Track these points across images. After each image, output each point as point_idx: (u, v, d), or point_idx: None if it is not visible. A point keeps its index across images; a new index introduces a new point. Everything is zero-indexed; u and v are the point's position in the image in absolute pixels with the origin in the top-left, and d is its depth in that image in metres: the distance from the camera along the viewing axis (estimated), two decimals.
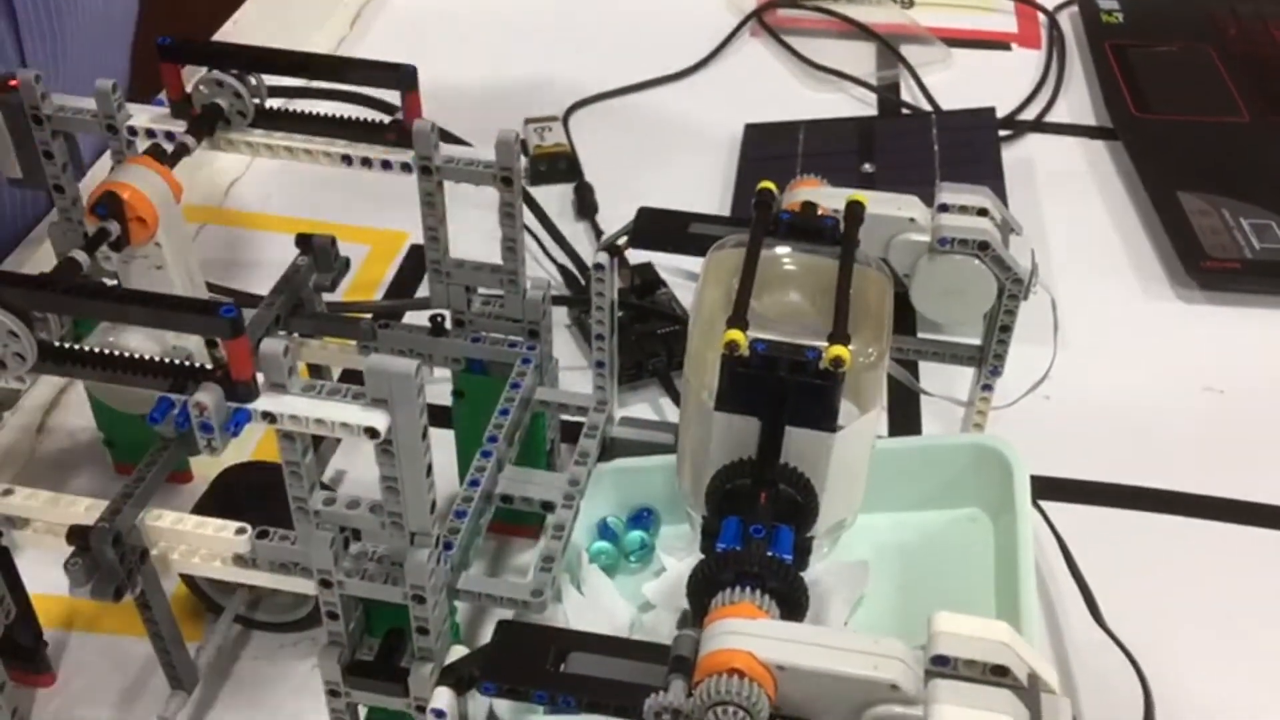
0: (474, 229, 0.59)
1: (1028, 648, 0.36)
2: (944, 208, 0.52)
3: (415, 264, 0.75)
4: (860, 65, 0.94)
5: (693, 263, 0.69)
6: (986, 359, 0.56)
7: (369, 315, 0.60)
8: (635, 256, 0.70)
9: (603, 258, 0.52)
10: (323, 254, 0.56)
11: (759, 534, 0.41)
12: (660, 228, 0.55)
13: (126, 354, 0.38)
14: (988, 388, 0.57)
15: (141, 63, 0.84)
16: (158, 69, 0.52)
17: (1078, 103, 0.92)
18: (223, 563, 0.44)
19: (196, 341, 0.49)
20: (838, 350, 0.40)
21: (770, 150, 0.83)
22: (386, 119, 0.52)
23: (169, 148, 0.50)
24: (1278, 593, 0.56)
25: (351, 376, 0.61)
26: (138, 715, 0.51)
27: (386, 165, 0.51)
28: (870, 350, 0.43)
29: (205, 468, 0.56)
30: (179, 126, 0.52)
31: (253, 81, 0.52)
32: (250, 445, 0.60)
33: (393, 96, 0.51)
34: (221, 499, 0.50)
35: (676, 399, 0.65)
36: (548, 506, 0.50)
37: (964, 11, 1.02)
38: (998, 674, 0.35)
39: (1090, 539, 0.56)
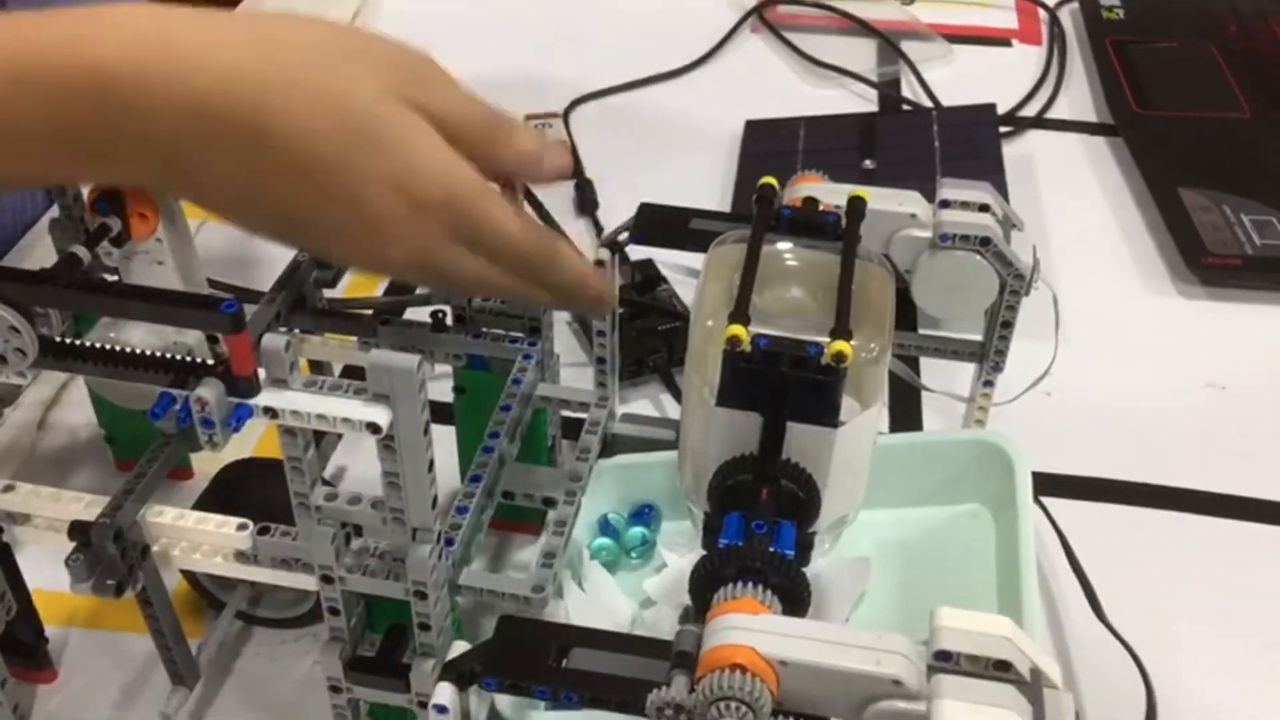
0: None
1: (1030, 643, 0.36)
2: (945, 203, 0.52)
3: None
4: (861, 61, 0.94)
5: (693, 259, 0.70)
6: (988, 355, 0.56)
7: (370, 311, 0.60)
8: (636, 253, 0.70)
9: (604, 254, 0.52)
10: None
11: (761, 530, 0.41)
12: (661, 224, 0.55)
13: (128, 349, 0.38)
14: (989, 384, 0.57)
15: None
16: None
17: (1079, 99, 0.92)
18: (224, 559, 0.44)
19: (197, 337, 0.49)
20: (840, 345, 0.40)
21: (771, 147, 0.83)
22: None
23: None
24: (1278, 588, 0.56)
25: (353, 373, 0.61)
26: (139, 712, 0.51)
27: None
28: (872, 345, 0.43)
29: (206, 464, 0.56)
30: None
31: None
32: (251, 441, 0.60)
33: None
34: (222, 495, 0.50)
35: (677, 395, 0.65)
36: (549, 502, 0.50)
37: (965, 8, 1.02)
38: (1000, 669, 0.35)
39: (1091, 535, 0.56)
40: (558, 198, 0.79)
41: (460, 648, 0.43)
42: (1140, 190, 0.81)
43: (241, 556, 0.44)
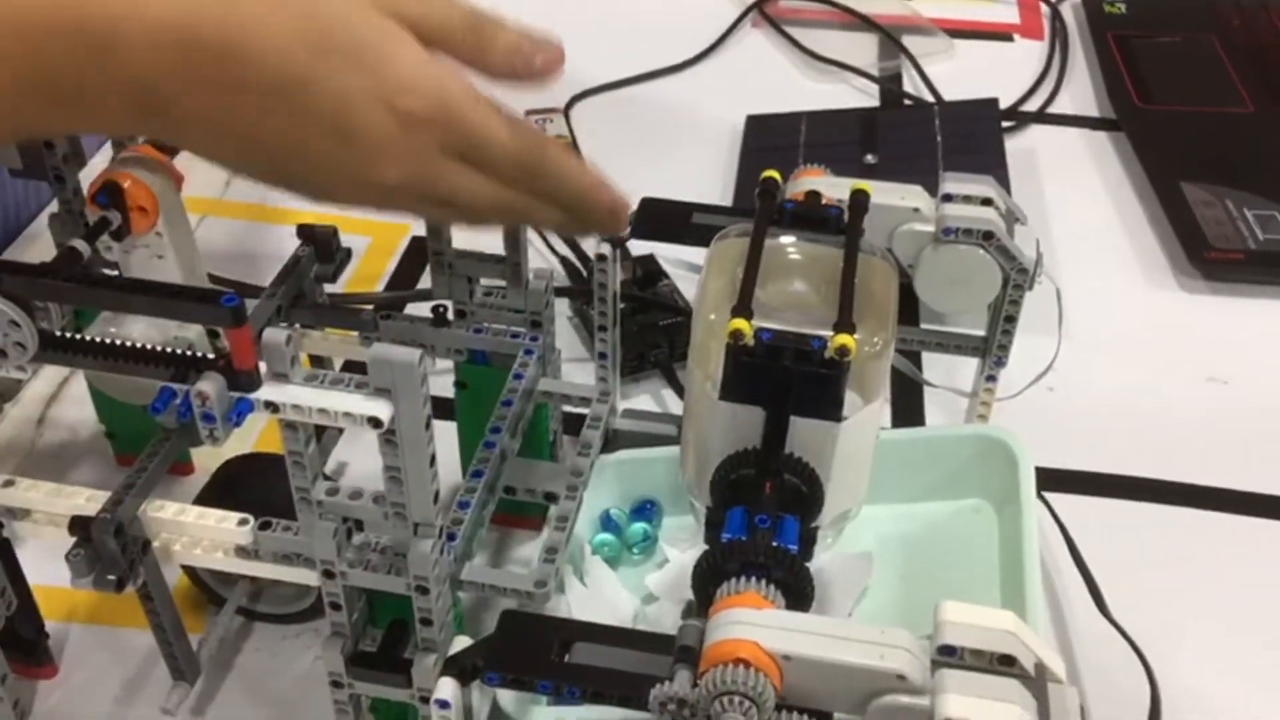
0: None
1: (1034, 637, 0.36)
2: (948, 197, 0.52)
3: (416, 256, 0.74)
4: (862, 56, 0.94)
5: (694, 254, 0.69)
6: (991, 349, 0.56)
7: (370, 306, 0.60)
8: (637, 248, 0.70)
9: (605, 249, 0.52)
10: (324, 245, 0.56)
11: (764, 524, 0.41)
12: (663, 218, 0.55)
13: (128, 343, 0.38)
14: (992, 378, 0.57)
15: None
16: None
17: (1080, 94, 0.91)
18: (225, 554, 0.44)
19: (198, 331, 0.49)
20: (843, 339, 0.40)
21: (772, 141, 0.83)
22: None
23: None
24: None
25: (353, 368, 0.61)
26: (140, 707, 0.51)
27: None
28: (875, 339, 0.43)
29: (207, 459, 0.56)
30: None
31: None
32: (252, 437, 0.60)
33: None
34: (223, 490, 0.50)
35: (678, 390, 0.65)
36: (551, 498, 0.50)
37: (966, 2, 1.02)
38: (1004, 664, 0.35)
39: (1093, 530, 0.56)
40: None
41: (462, 643, 0.43)
42: (1142, 185, 0.81)
43: (242, 552, 0.43)
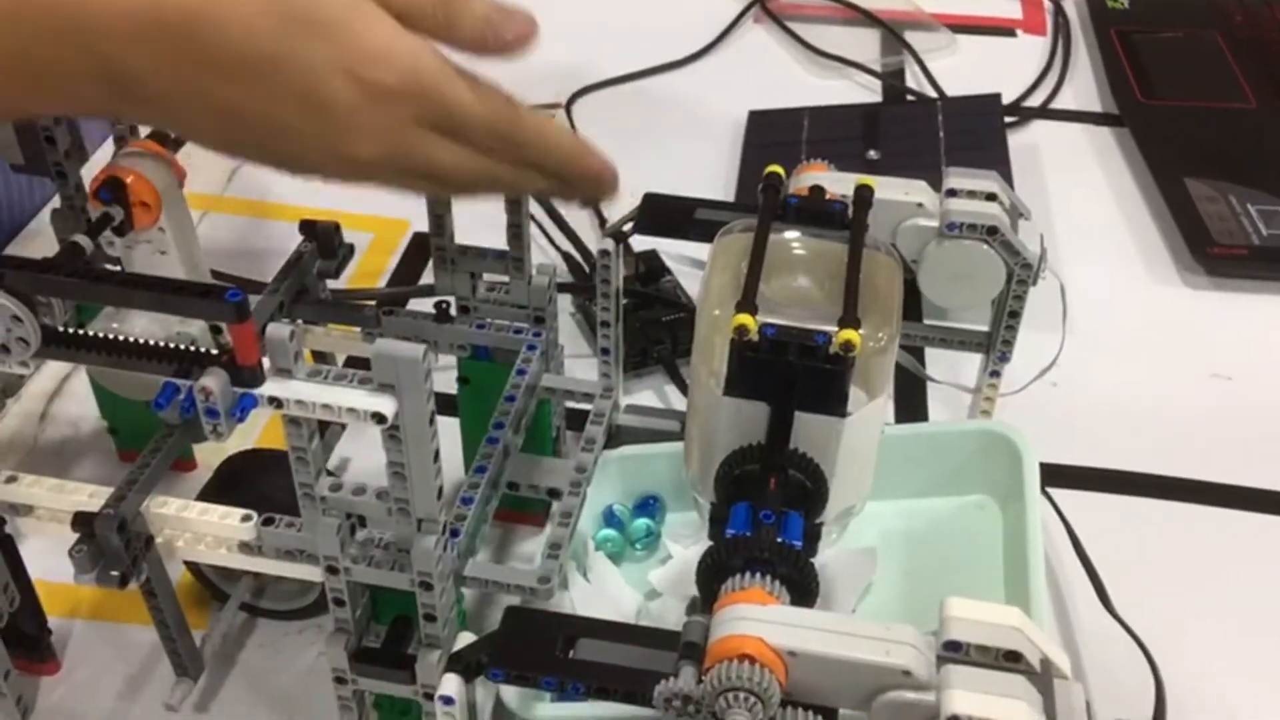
0: (476, 216, 0.58)
1: (1040, 633, 0.36)
2: (952, 192, 0.52)
3: (418, 252, 0.74)
4: (865, 52, 0.94)
5: (697, 250, 0.69)
6: (994, 345, 0.56)
7: (373, 302, 0.59)
8: (640, 244, 0.70)
9: (608, 244, 0.51)
10: (326, 240, 0.56)
11: (769, 520, 0.40)
12: (666, 214, 0.54)
13: (132, 339, 0.38)
14: (995, 374, 0.57)
15: None
16: None
17: (1083, 89, 0.91)
18: (228, 550, 0.44)
19: (201, 327, 0.49)
20: (848, 334, 0.40)
21: (774, 137, 0.83)
22: None
23: (172, 133, 0.50)
24: None
25: (356, 364, 0.61)
26: (143, 703, 0.50)
27: None
28: (880, 335, 0.43)
29: (209, 455, 0.56)
30: None
31: None
32: (255, 433, 0.60)
33: None
34: (226, 486, 0.50)
35: (682, 386, 0.65)
36: (554, 494, 0.50)
37: None
38: (1010, 659, 0.35)
39: (1096, 526, 0.56)
40: None
41: (466, 639, 0.43)
42: (1145, 180, 0.80)
43: (246, 548, 0.43)
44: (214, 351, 0.38)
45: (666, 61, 0.92)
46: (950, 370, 0.62)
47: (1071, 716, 0.34)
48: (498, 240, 0.52)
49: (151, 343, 0.38)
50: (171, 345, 0.38)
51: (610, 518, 0.55)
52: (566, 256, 0.73)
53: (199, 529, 0.44)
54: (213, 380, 0.37)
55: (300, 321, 0.56)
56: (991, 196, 0.52)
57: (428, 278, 0.71)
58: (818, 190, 0.48)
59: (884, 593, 0.52)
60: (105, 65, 0.38)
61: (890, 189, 0.51)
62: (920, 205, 0.52)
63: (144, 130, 0.52)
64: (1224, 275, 0.73)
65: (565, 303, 0.69)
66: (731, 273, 0.45)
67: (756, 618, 0.36)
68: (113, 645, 0.52)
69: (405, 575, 0.41)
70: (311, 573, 0.43)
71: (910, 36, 0.95)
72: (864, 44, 0.95)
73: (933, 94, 0.89)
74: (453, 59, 0.41)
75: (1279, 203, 0.76)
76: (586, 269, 0.72)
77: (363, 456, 0.60)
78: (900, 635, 0.36)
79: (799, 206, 0.47)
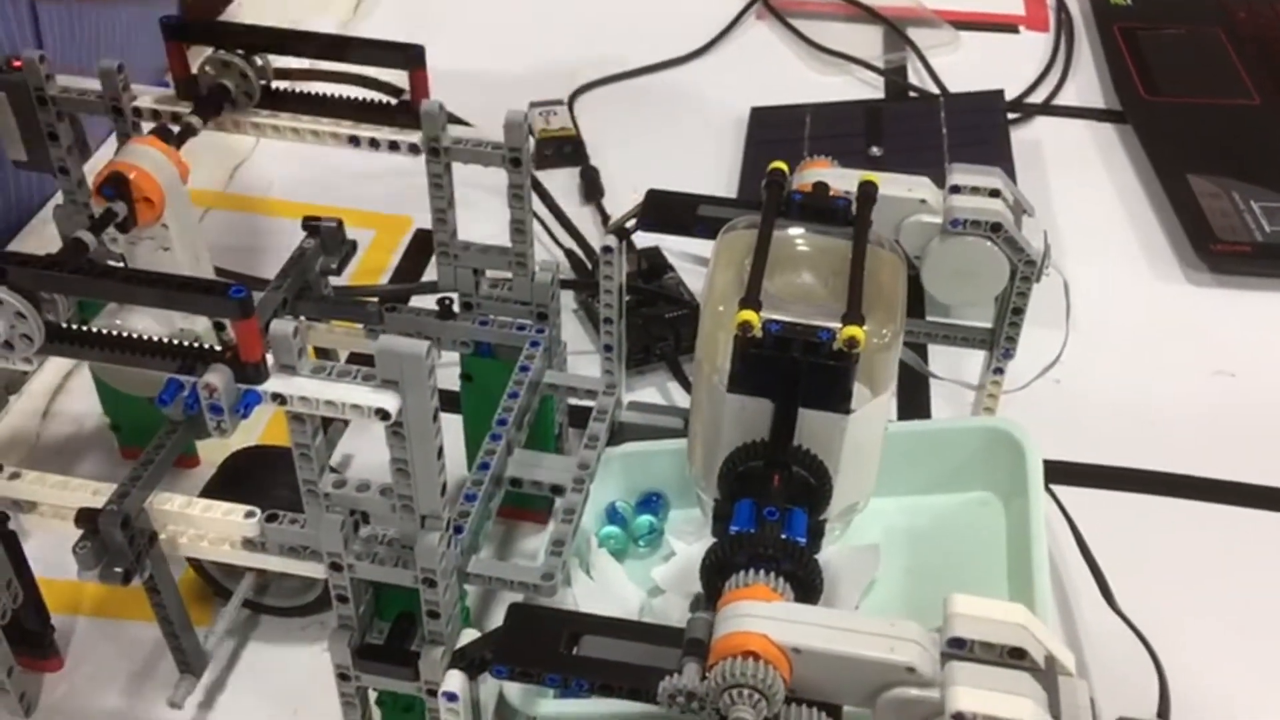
0: (479, 212, 0.58)
1: (1045, 630, 0.36)
2: (956, 189, 0.52)
3: (420, 248, 0.74)
4: (867, 48, 0.94)
5: (700, 247, 0.69)
6: (998, 341, 0.55)
7: (375, 299, 0.59)
8: (643, 240, 0.70)
9: (611, 241, 0.51)
10: (330, 237, 0.56)
11: (773, 516, 0.40)
12: (669, 210, 0.54)
13: (135, 335, 0.38)
14: (999, 370, 0.57)
15: None
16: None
17: (1086, 85, 0.91)
18: (232, 546, 0.44)
19: (204, 324, 0.49)
20: (852, 331, 0.40)
21: (777, 134, 0.83)
22: (393, 101, 0.51)
23: (175, 129, 0.50)
24: None
25: (359, 360, 0.61)
26: (146, 700, 0.50)
27: (394, 146, 0.51)
28: (884, 331, 0.43)
29: (212, 452, 0.56)
30: (185, 107, 0.51)
31: (259, 62, 0.51)
32: (258, 430, 0.60)
33: (396, 80, 0.50)
34: (229, 483, 0.50)
35: (684, 383, 0.65)
36: (557, 490, 0.50)
37: None
38: (1015, 656, 0.35)
39: (1099, 522, 0.56)
40: (563, 184, 0.79)
41: (469, 635, 0.43)
42: (1149, 177, 0.80)
43: (249, 544, 0.43)
44: (218, 348, 0.37)
45: (669, 58, 0.92)
46: (952, 367, 0.62)
47: (1076, 714, 0.34)
48: (501, 237, 0.52)
49: (155, 339, 0.38)
50: (175, 342, 0.38)
51: (613, 514, 0.55)
52: (569, 253, 0.73)
53: (203, 526, 0.44)
54: (217, 377, 0.37)
55: (303, 318, 0.56)
56: (995, 193, 0.51)
57: (430, 274, 0.71)
58: (822, 187, 0.48)
59: (887, 590, 0.51)
60: None
61: (894, 185, 0.51)
62: (924, 202, 0.52)
63: (147, 126, 0.52)
64: (1227, 272, 0.73)
65: (567, 299, 0.69)
66: (735, 269, 0.45)
67: (761, 614, 0.36)
68: (116, 642, 0.52)
69: (409, 572, 0.41)
70: (315, 569, 0.43)
71: (913, 33, 0.95)
72: (866, 40, 0.95)
73: (935, 90, 0.89)
74: None
75: None
76: (589, 265, 0.72)
77: (365, 453, 0.60)
78: (905, 632, 0.36)
79: (803, 203, 0.47)
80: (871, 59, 0.92)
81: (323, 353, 0.59)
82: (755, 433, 0.43)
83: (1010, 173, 0.74)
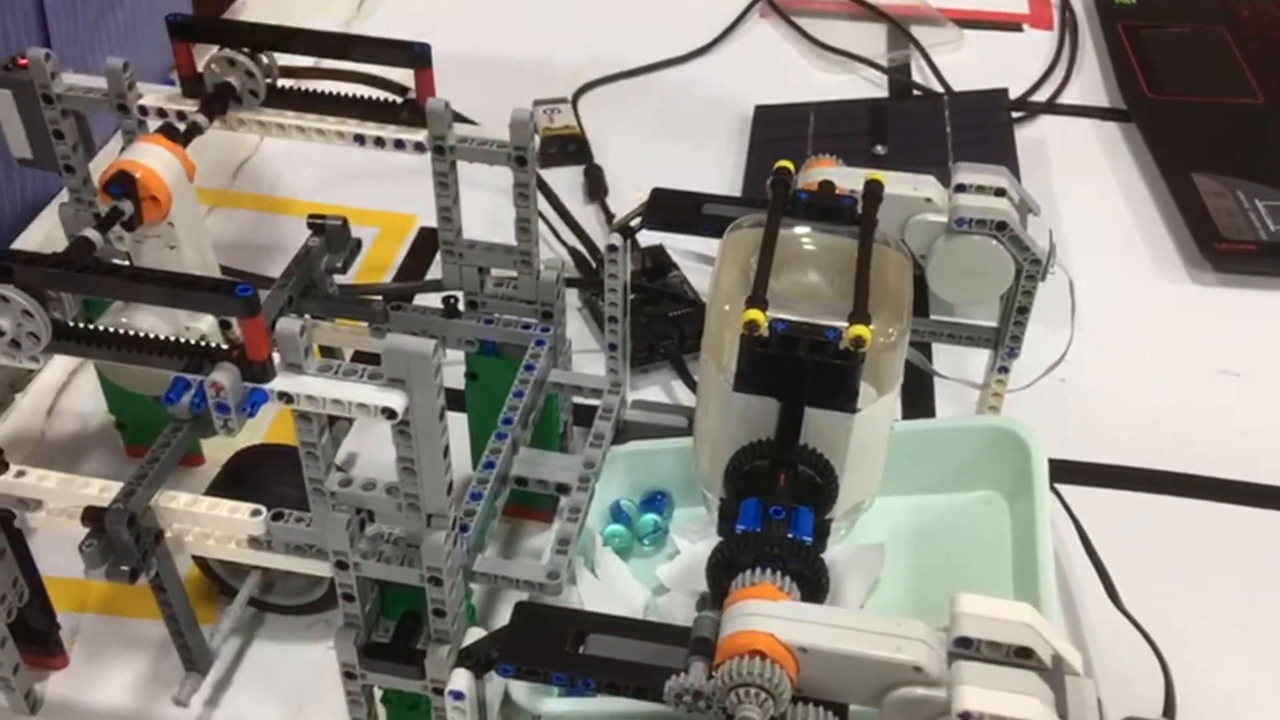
0: (484, 211, 0.58)
1: (1051, 630, 0.36)
2: (961, 188, 0.52)
3: (424, 247, 0.74)
4: (871, 46, 0.94)
5: (704, 245, 0.69)
6: (1003, 340, 0.55)
7: (380, 297, 0.59)
8: (646, 239, 0.70)
9: (616, 239, 0.51)
10: (335, 235, 0.56)
11: (779, 515, 0.40)
12: (674, 208, 0.54)
13: (142, 334, 0.38)
14: (1004, 369, 0.57)
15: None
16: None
17: (1090, 84, 0.91)
18: (238, 545, 0.44)
19: (210, 323, 0.49)
20: (859, 330, 0.40)
21: (781, 132, 0.83)
22: (399, 99, 0.51)
23: (181, 127, 0.50)
24: None
25: (363, 359, 0.60)
26: (151, 698, 0.50)
27: (399, 145, 0.51)
28: (890, 330, 0.43)
29: (216, 451, 0.56)
30: (190, 106, 0.51)
31: (264, 60, 0.51)
32: (262, 428, 0.60)
33: (400, 79, 0.50)
34: (234, 481, 0.50)
35: (688, 382, 0.65)
36: (563, 489, 0.50)
37: None
38: (1022, 656, 0.35)
39: (1105, 522, 0.56)
40: (567, 183, 0.79)
41: (475, 634, 0.43)
42: (1153, 176, 0.80)
43: (255, 542, 0.43)
44: (224, 347, 0.37)
45: (673, 56, 0.92)
46: (956, 366, 0.62)
47: (1083, 713, 0.34)
48: (497, 237, 0.52)
49: (163, 338, 0.38)
50: (182, 340, 0.38)
51: (618, 513, 0.55)
52: (573, 251, 0.73)
53: (209, 524, 0.44)
54: (224, 375, 0.37)
55: (308, 316, 0.56)
56: (1001, 192, 0.51)
57: (434, 272, 0.71)
58: (827, 185, 0.48)
59: (891, 589, 0.51)
60: None
61: (899, 184, 0.51)
62: (929, 200, 0.52)
63: (153, 125, 0.52)
64: (1231, 271, 0.73)
65: (571, 298, 0.69)
66: (741, 268, 0.45)
67: (767, 613, 0.36)
68: (121, 640, 0.52)
69: (415, 570, 0.41)
70: (321, 568, 0.43)
71: (917, 31, 0.95)
72: (870, 39, 0.95)
73: (939, 89, 0.89)
74: None
75: None
76: (593, 264, 0.72)
77: (369, 452, 0.60)
78: (911, 631, 0.36)
79: (809, 202, 0.47)
80: (875, 57, 0.92)
81: (327, 351, 0.59)
82: (761, 432, 0.43)
83: (1014, 171, 0.74)
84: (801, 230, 0.46)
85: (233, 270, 0.69)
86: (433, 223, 0.52)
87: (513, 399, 0.50)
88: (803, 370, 0.41)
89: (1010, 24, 0.98)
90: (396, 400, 0.36)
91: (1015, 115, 0.84)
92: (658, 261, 0.70)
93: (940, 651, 0.36)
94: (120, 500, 0.42)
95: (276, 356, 0.38)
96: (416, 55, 0.50)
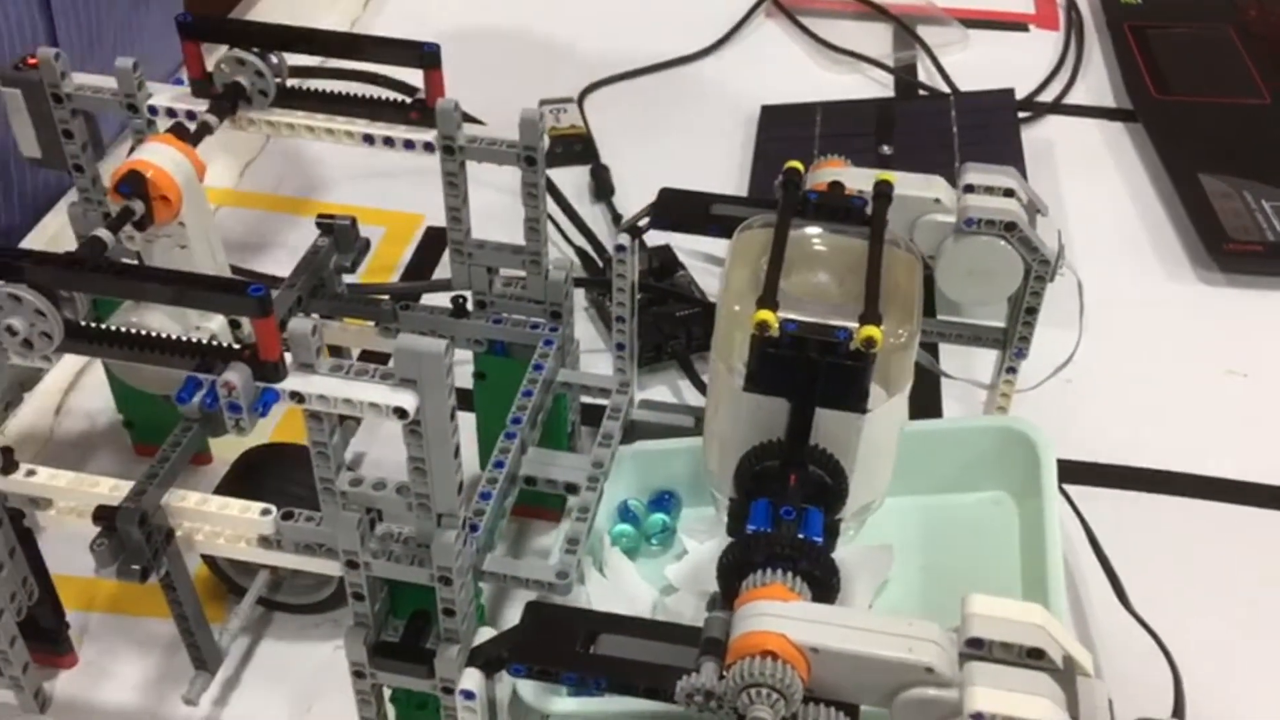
0: (493, 211, 0.58)
1: (1063, 630, 0.36)
2: (970, 188, 0.52)
3: (431, 246, 0.74)
4: (877, 46, 0.94)
5: (711, 245, 0.69)
6: (1011, 341, 0.56)
7: (389, 297, 0.59)
8: (654, 239, 0.70)
9: (624, 239, 0.51)
10: (343, 235, 0.56)
11: (789, 516, 0.40)
12: (682, 208, 0.54)
13: (154, 333, 0.38)
14: (1012, 370, 0.57)
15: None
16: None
17: (1097, 84, 0.91)
18: (248, 544, 0.44)
19: (220, 322, 0.49)
20: (869, 331, 0.40)
21: (787, 132, 0.83)
22: (408, 99, 0.51)
23: (191, 126, 0.50)
24: None
25: (370, 358, 0.61)
26: (161, 696, 0.51)
27: (409, 145, 0.51)
28: (900, 331, 0.43)
29: (224, 450, 0.56)
30: (200, 105, 0.51)
31: (274, 60, 0.51)
32: (270, 427, 0.60)
33: (407, 78, 0.50)
34: (244, 480, 0.50)
35: (696, 381, 0.65)
36: (571, 489, 0.50)
37: None
38: (1033, 657, 0.35)
39: (1113, 523, 0.55)
40: (573, 183, 0.79)
41: (485, 634, 0.43)
42: (1160, 176, 0.80)
43: (265, 542, 0.43)
44: (235, 346, 0.38)
45: (679, 56, 0.92)
46: (963, 366, 0.62)
47: (1094, 714, 0.34)
48: (515, 235, 0.52)
49: (175, 337, 0.38)
50: (193, 340, 0.38)
51: (626, 513, 0.55)
52: (580, 251, 0.73)
53: (219, 523, 0.44)
54: (236, 375, 0.37)
55: (316, 316, 0.56)
56: (1009, 192, 0.51)
57: (441, 272, 0.71)
58: (837, 186, 0.48)
59: (900, 589, 0.52)
60: None
61: (908, 185, 0.51)
62: (938, 201, 0.52)
63: (162, 125, 0.52)
64: (1239, 271, 0.73)
65: (579, 298, 0.69)
66: (751, 268, 0.45)
67: (779, 614, 0.36)
68: (130, 638, 0.52)
69: (425, 570, 0.41)
70: (331, 567, 0.43)
71: (923, 31, 0.95)
72: (876, 38, 0.95)
73: (945, 89, 0.89)
74: None
75: None
76: (600, 264, 0.72)
77: (377, 451, 0.60)
78: (923, 632, 0.36)
79: (819, 202, 0.47)
80: (881, 57, 0.92)
81: (336, 350, 0.59)
82: (771, 432, 0.43)
83: (1021, 172, 0.74)
84: (811, 230, 0.46)
85: (240, 270, 0.69)
86: (439, 222, 0.52)
87: (521, 399, 0.50)
88: (813, 371, 0.41)
89: (1016, 24, 0.98)
90: (408, 400, 0.37)
91: (1021, 115, 0.84)
92: (664, 261, 0.70)
93: (952, 652, 0.36)
94: (131, 499, 0.42)
95: (287, 356, 0.38)
96: (426, 55, 0.50)
